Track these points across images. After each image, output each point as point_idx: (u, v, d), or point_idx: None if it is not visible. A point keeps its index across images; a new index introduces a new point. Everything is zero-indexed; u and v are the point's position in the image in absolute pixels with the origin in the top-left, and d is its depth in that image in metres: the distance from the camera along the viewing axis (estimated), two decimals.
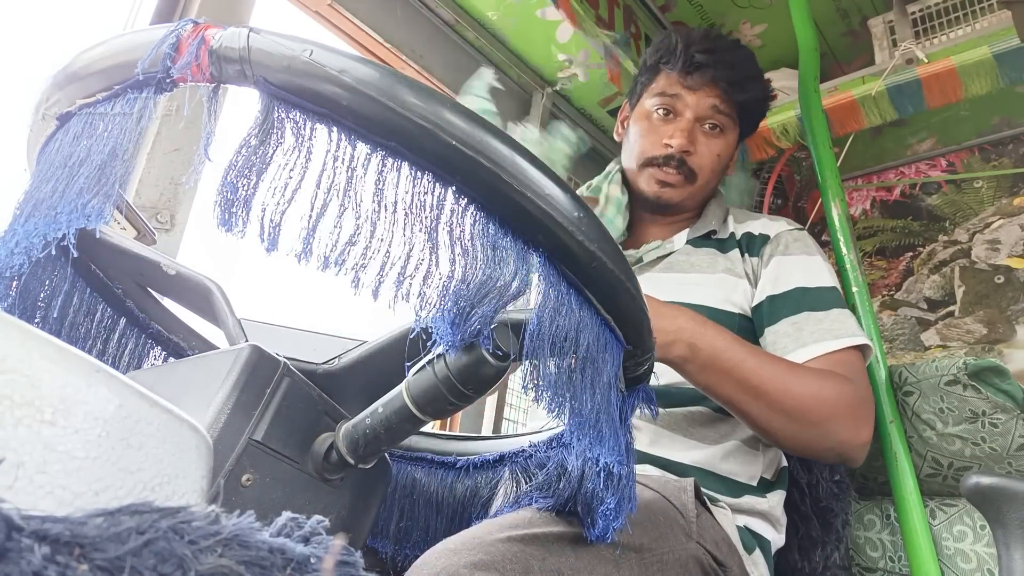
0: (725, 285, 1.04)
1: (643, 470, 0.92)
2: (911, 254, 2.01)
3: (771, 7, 1.86)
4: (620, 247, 0.49)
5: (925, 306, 1.93)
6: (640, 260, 1.12)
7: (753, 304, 1.04)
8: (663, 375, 0.98)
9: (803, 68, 1.43)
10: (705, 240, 1.12)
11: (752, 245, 1.09)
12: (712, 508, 0.86)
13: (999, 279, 1.82)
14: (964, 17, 1.55)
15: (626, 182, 1.20)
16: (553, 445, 0.62)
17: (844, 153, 1.72)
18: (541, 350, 0.42)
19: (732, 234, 1.12)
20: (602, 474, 0.53)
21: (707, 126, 1.11)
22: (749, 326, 1.03)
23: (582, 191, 1.23)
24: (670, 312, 0.85)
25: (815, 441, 0.87)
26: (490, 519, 0.61)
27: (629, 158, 1.17)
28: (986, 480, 0.69)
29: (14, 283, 0.55)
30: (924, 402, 1.03)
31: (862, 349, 0.96)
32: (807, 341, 0.94)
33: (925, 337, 1.90)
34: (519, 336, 0.43)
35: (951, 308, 1.88)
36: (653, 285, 1.06)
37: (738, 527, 0.90)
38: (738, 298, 1.03)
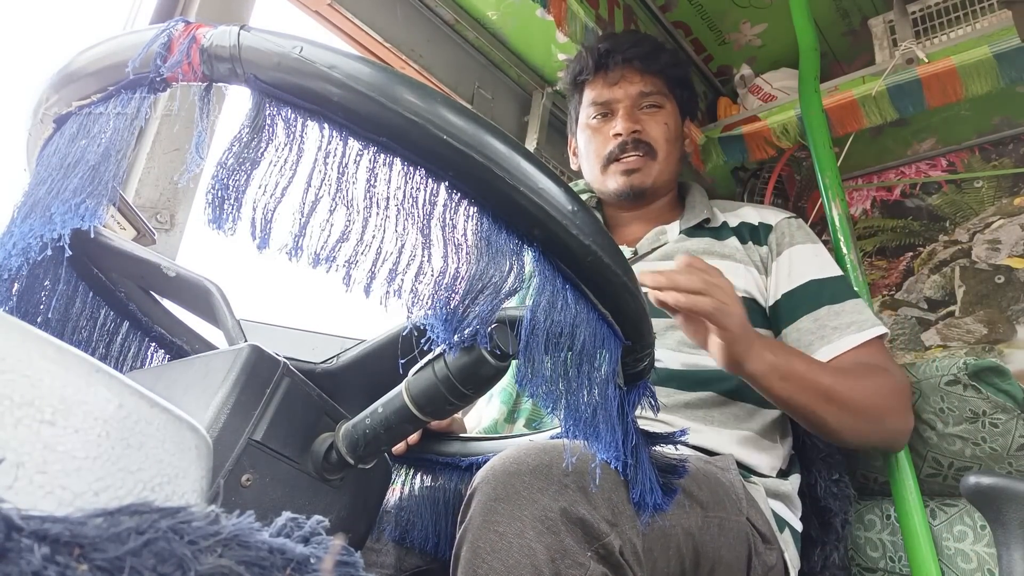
0: (726, 271, 1.05)
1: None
2: (911, 254, 2.00)
3: (771, 7, 1.86)
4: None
5: (925, 306, 1.93)
6: (635, 253, 1.14)
7: (770, 303, 1.05)
8: (672, 361, 0.98)
9: (803, 68, 1.43)
10: (699, 230, 1.13)
11: (755, 234, 1.11)
12: (746, 485, 0.88)
13: (999, 279, 1.82)
14: (964, 17, 1.55)
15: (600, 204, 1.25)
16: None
17: (844, 153, 1.71)
18: (536, 346, 0.41)
19: (724, 223, 1.14)
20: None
21: (644, 107, 1.16)
22: (756, 309, 1.04)
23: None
24: (744, 323, 0.85)
25: (874, 434, 0.93)
26: None
27: (590, 169, 1.21)
28: (986, 480, 0.69)
29: (15, 285, 0.55)
30: (924, 402, 1.03)
31: (882, 337, 0.98)
32: (832, 338, 0.97)
33: (925, 337, 1.90)
34: (519, 335, 0.42)
35: (951, 308, 1.88)
36: None
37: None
38: (741, 283, 1.04)
